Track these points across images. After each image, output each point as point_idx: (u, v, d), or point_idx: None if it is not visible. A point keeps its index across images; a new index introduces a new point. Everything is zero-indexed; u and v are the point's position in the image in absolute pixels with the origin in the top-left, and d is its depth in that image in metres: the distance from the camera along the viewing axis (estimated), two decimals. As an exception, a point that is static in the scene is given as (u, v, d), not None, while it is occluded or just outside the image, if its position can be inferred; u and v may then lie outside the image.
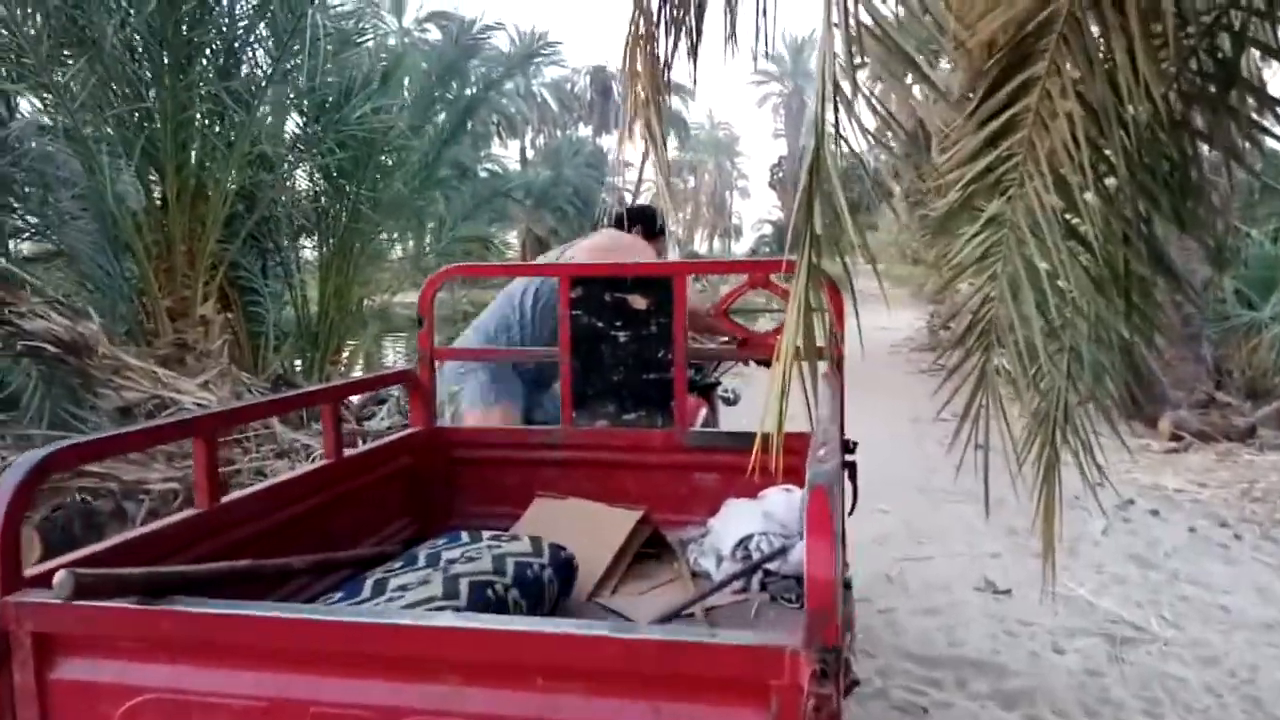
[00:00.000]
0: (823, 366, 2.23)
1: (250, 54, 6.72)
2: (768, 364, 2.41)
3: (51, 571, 1.38)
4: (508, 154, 40.76)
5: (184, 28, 5.91)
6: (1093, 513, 4.20)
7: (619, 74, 2.24)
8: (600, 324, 2.69)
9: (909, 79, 2.12)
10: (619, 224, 3.80)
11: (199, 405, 4.56)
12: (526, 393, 3.47)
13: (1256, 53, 2.08)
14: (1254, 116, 1.95)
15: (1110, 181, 2.02)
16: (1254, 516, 5.51)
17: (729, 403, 4.02)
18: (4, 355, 4.34)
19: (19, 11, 5.28)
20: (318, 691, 1.30)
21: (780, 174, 45.36)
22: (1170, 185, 2.00)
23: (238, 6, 6.56)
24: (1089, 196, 1.95)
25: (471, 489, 2.77)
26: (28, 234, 6.46)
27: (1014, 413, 2.19)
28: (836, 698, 1.10)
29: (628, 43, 2.16)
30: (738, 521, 2.34)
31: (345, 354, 8.24)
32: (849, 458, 2.48)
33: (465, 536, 2.09)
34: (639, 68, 2.15)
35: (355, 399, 6.43)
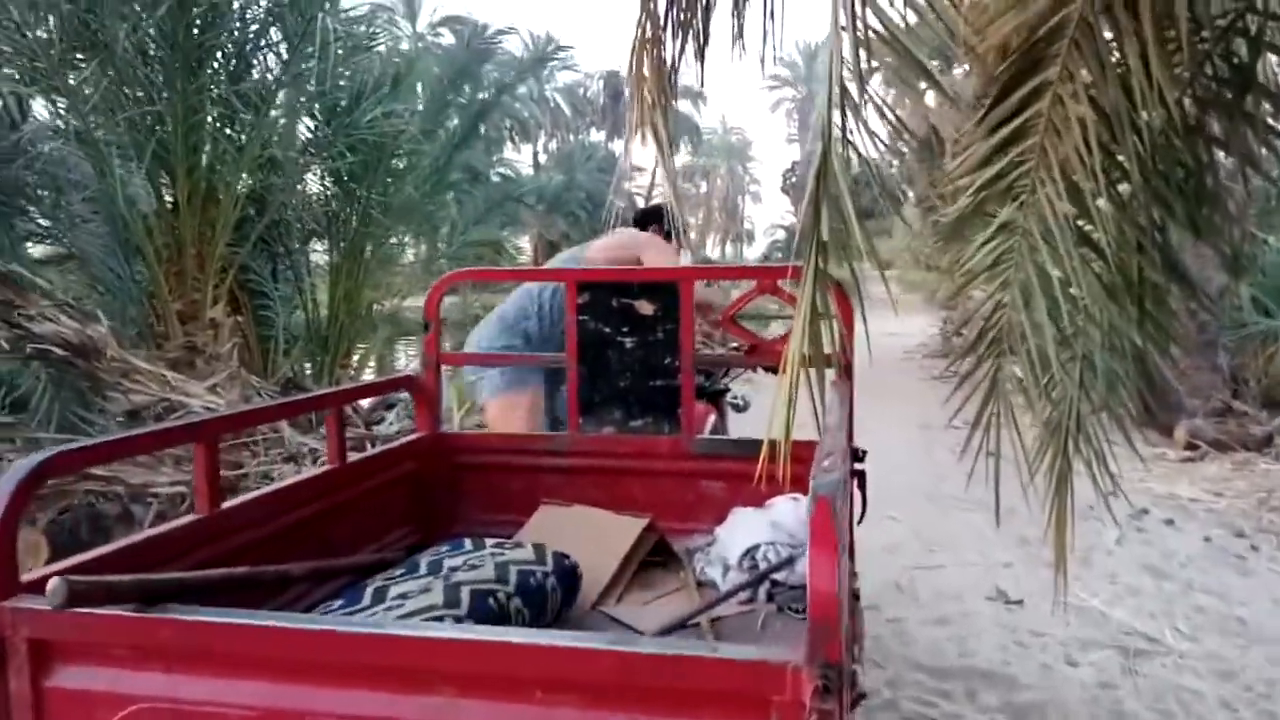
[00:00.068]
0: (831, 373, 2.21)
1: (261, 58, 6.73)
2: (775, 370, 2.39)
3: (48, 577, 1.36)
4: (520, 158, 40.88)
5: (195, 31, 5.92)
6: (1106, 522, 4.16)
7: (626, 77, 2.23)
8: (607, 330, 2.67)
9: (921, 85, 2.10)
10: (635, 225, 3.82)
11: (207, 408, 4.56)
12: (546, 382, 3.48)
13: (1274, 57, 2.05)
14: (1270, 122, 1.92)
15: (1123, 188, 1.99)
16: (1271, 526, 5.44)
17: (738, 409, 3.99)
18: (13, 358, 4.35)
19: (32, 16, 5.29)
20: (313, 701, 1.28)
21: (793, 179, 45.37)
22: (1184, 191, 1.97)
23: (249, 11, 6.57)
24: (1102, 203, 1.93)
25: (476, 495, 2.75)
26: (40, 237, 6.49)
27: (1026, 421, 2.16)
28: (839, 714, 1.07)
29: (634, 46, 2.15)
30: (745, 530, 2.31)
31: (355, 358, 8.24)
32: (858, 466, 2.46)
33: (468, 544, 2.07)
34: (646, 71, 2.14)
35: (365, 403, 6.42)
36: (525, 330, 3.48)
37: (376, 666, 1.25)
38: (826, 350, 1.88)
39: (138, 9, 5.62)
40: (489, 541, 2.09)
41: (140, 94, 5.97)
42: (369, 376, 8.58)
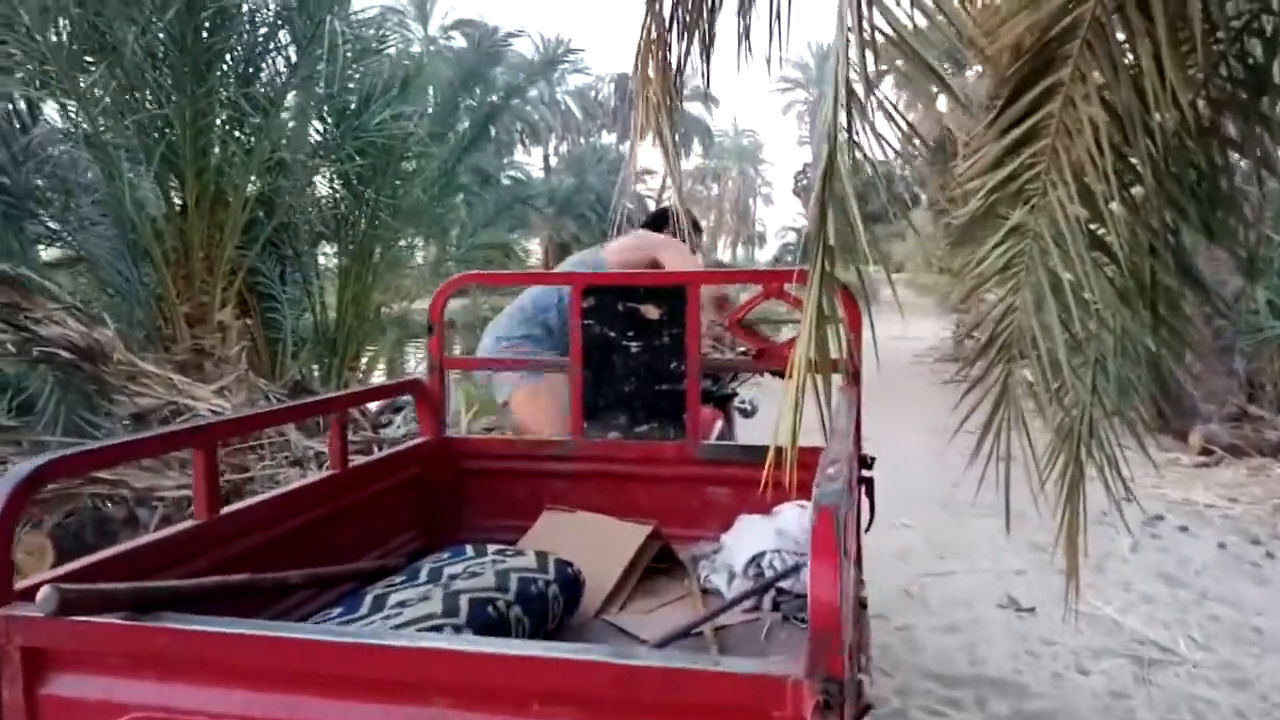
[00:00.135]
0: (839, 379, 2.19)
1: (270, 61, 6.73)
2: (783, 375, 2.36)
3: (43, 584, 1.35)
4: (531, 161, 40.97)
5: (204, 34, 5.93)
6: (1120, 529, 4.11)
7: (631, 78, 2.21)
8: (613, 334, 2.65)
9: (931, 88, 2.07)
10: (647, 227, 3.82)
11: (214, 412, 4.55)
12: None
13: (1290, 58, 2.01)
14: (1287, 124, 1.89)
15: (1136, 190, 1.96)
16: (1286, 533, 5.39)
17: (746, 414, 3.95)
18: (20, 360, 4.35)
19: (42, 19, 5.30)
20: (308, 711, 1.27)
21: (804, 181, 45.35)
22: (1198, 194, 1.94)
23: (257, 15, 6.58)
24: (1114, 206, 1.89)
25: (480, 500, 2.73)
26: (50, 240, 6.51)
27: (1037, 426, 2.13)
28: (841, 729, 1.05)
29: (639, 48, 2.13)
30: (750, 538, 2.29)
31: (364, 361, 8.23)
32: (866, 473, 2.43)
33: (470, 551, 2.05)
34: (651, 73, 2.11)
35: (372, 406, 6.41)
36: (545, 321, 3.49)
37: (371, 677, 1.23)
38: (833, 355, 1.85)
39: (147, 12, 5.62)
40: (491, 548, 2.07)
41: (149, 97, 5.97)
42: (378, 379, 8.57)
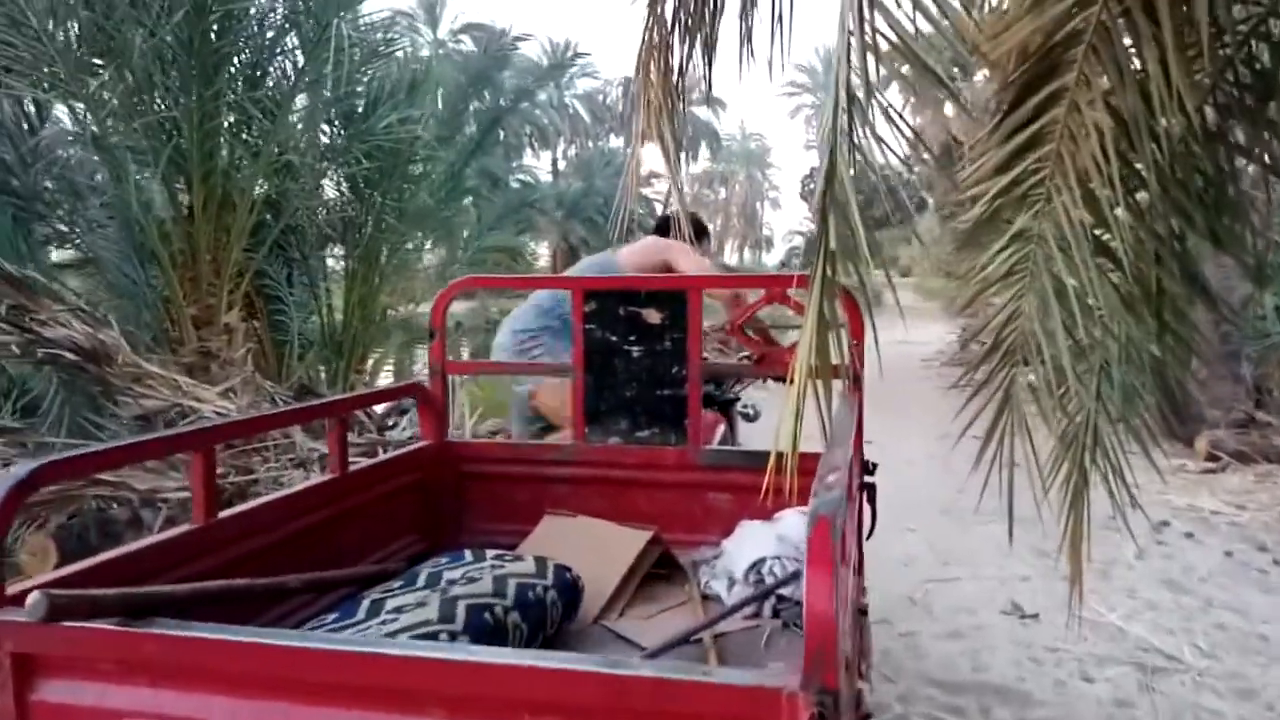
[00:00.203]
0: (840, 384, 2.17)
1: (277, 64, 6.75)
2: (784, 380, 2.35)
3: (34, 590, 1.34)
4: (539, 165, 41.03)
5: (212, 37, 5.94)
6: (1125, 535, 4.08)
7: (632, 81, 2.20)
8: (614, 338, 2.64)
9: (936, 90, 2.06)
10: (656, 232, 3.84)
11: (218, 414, 4.55)
12: None
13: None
14: (1295, 130, 1.87)
15: (1142, 196, 1.94)
16: (1294, 541, 5.35)
17: (749, 419, 3.94)
18: (25, 362, 4.36)
19: (51, 22, 5.32)
20: (299, 718, 1.26)
21: (811, 185, 45.26)
22: (1205, 201, 1.92)
23: (265, 19, 6.59)
24: (1119, 212, 1.88)
25: (481, 504, 2.72)
26: (58, 241, 6.53)
27: (1042, 433, 2.11)
28: (836, 741, 1.03)
29: (640, 51, 2.12)
30: (751, 544, 2.27)
31: (370, 363, 8.24)
32: (868, 479, 2.41)
33: (469, 555, 2.04)
34: (653, 76, 2.10)
35: (379, 408, 6.42)
36: (562, 315, 3.51)
37: (361, 685, 1.22)
38: (835, 361, 1.83)
39: (155, 15, 5.63)
40: (490, 553, 2.06)
41: (157, 99, 5.99)
42: (385, 381, 8.59)
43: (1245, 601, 4.34)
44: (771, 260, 66.65)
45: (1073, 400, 2.12)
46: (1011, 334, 2.06)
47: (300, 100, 6.85)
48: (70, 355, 4.15)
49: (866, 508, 2.44)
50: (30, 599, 1.26)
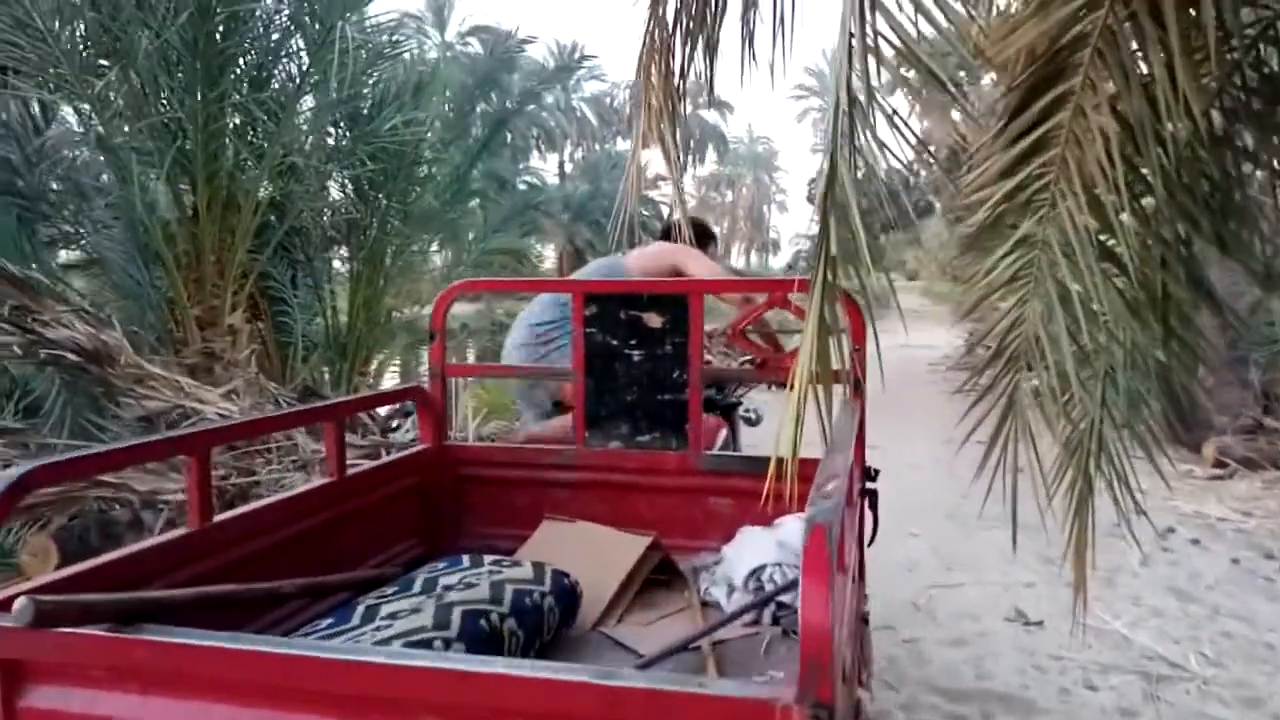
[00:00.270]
0: (845, 389, 2.15)
1: (282, 66, 6.75)
2: (784, 386, 2.33)
3: (21, 595, 1.33)
4: (546, 167, 41.05)
5: (217, 38, 5.94)
6: (1131, 541, 4.05)
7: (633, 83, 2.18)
8: (615, 342, 2.62)
9: (940, 94, 2.04)
10: (664, 237, 3.82)
11: (221, 415, 4.54)
12: None
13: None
14: (1303, 134, 1.85)
15: (1147, 201, 1.92)
16: (1302, 549, 5.30)
17: (751, 423, 3.92)
18: (26, 363, 4.36)
19: (56, 22, 5.32)
20: (290, 727, 1.24)
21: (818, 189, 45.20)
22: (1211, 206, 1.90)
23: (271, 21, 6.60)
24: (1125, 217, 1.86)
25: (480, 508, 2.70)
26: (65, 242, 6.54)
27: (1047, 438, 2.09)
28: (831, 756, 1.02)
29: (641, 54, 2.10)
30: (751, 550, 2.25)
31: (374, 365, 8.24)
32: (870, 485, 2.39)
33: (466, 561, 2.02)
34: (654, 79, 2.09)
35: (383, 410, 6.41)
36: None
37: (351, 694, 1.20)
38: (836, 366, 1.82)
39: (160, 16, 5.63)
40: (487, 559, 2.05)
41: (162, 100, 5.99)
42: (390, 383, 8.59)
43: (1252, 609, 4.31)
44: (778, 263, 66.65)
45: (1077, 406, 2.10)
46: (1016, 339, 2.04)
47: (306, 102, 6.85)
48: (72, 356, 4.15)
49: (869, 514, 2.42)
50: (16, 604, 1.25)
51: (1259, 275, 2.36)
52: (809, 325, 1.74)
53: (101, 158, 5.95)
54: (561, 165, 45.93)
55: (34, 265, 5.17)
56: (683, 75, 2.12)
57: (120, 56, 5.56)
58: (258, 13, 6.38)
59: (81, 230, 6.27)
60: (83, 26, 5.57)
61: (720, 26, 2.07)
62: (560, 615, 1.97)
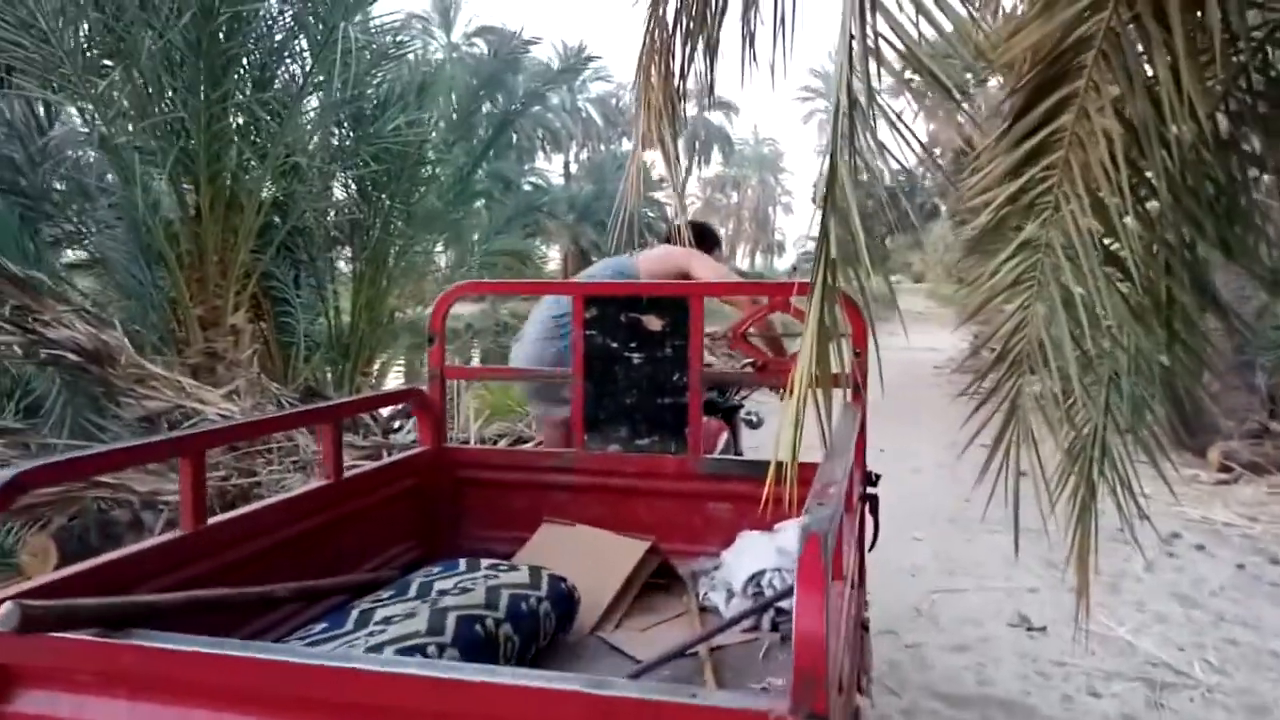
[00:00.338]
0: (846, 393, 2.13)
1: (285, 66, 6.75)
2: (784, 389, 2.31)
3: (10, 599, 1.31)
4: (551, 168, 41.07)
5: (220, 39, 5.94)
6: (1135, 546, 4.03)
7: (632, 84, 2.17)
8: (614, 345, 2.60)
9: (941, 96, 2.02)
10: (668, 240, 3.80)
11: (222, 416, 4.54)
12: None
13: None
14: (1309, 138, 1.83)
15: (1152, 205, 1.90)
16: (1307, 554, 5.27)
17: (752, 426, 3.90)
18: (27, 363, 4.35)
19: (59, 23, 5.32)
20: (280, 734, 1.23)
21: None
22: (1216, 210, 1.88)
23: (275, 22, 6.59)
24: (1129, 220, 1.84)
25: (479, 511, 2.69)
26: (67, 242, 6.54)
27: (1050, 442, 2.07)
28: (826, 768, 1.00)
29: (641, 54, 2.09)
30: (751, 555, 2.23)
31: (376, 365, 8.23)
32: (871, 490, 2.37)
33: (462, 565, 2.01)
34: (654, 80, 2.07)
35: (385, 411, 6.40)
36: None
37: (340, 701, 1.19)
38: (835, 370, 1.80)
39: (164, 17, 5.63)
40: (484, 563, 2.03)
41: (165, 101, 5.99)
42: (392, 383, 8.58)
43: (1257, 615, 4.27)
44: (783, 265, 66.63)
45: (1080, 411, 2.09)
46: (1019, 343, 2.02)
47: (310, 102, 6.85)
48: (73, 356, 4.15)
49: (869, 519, 2.40)
50: (3, 609, 1.23)
51: (1265, 280, 2.34)
52: (809, 328, 1.72)
53: (105, 157, 5.94)
54: (566, 166, 45.96)
55: (38, 265, 5.16)
56: (683, 76, 2.10)
57: (124, 56, 5.57)
58: (261, 13, 6.38)
59: (85, 230, 6.27)
60: (86, 27, 5.57)
61: (720, 27, 2.06)
62: (557, 620, 1.95)
